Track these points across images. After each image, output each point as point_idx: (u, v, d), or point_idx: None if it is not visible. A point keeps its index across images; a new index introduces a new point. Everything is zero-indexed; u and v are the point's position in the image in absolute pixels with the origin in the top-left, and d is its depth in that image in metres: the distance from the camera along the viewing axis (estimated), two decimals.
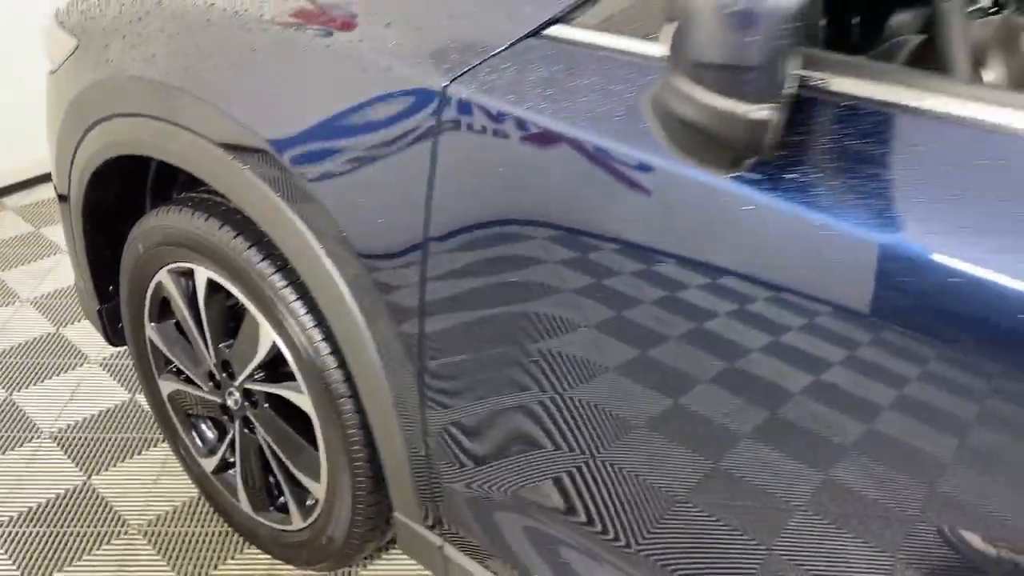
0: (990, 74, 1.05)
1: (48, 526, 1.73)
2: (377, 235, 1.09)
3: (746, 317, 0.80)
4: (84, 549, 1.69)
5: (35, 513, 1.76)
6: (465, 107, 0.95)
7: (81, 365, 2.19)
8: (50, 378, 2.14)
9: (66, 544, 1.69)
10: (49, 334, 2.31)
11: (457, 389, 1.11)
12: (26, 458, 1.90)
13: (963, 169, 0.71)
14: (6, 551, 1.67)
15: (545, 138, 0.89)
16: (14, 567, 1.64)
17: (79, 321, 2.33)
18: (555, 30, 0.93)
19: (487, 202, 0.97)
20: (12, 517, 1.75)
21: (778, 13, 0.56)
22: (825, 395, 0.78)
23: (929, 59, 1.04)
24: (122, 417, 2.02)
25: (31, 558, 1.66)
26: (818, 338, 0.76)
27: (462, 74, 0.96)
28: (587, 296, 0.91)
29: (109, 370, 2.17)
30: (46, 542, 1.70)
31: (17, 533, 1.72)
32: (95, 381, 2.13)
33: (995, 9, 1.30)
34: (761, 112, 0.61)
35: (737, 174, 0.75)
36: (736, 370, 0.82)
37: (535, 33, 0.94)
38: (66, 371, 2.17)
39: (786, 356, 0.78)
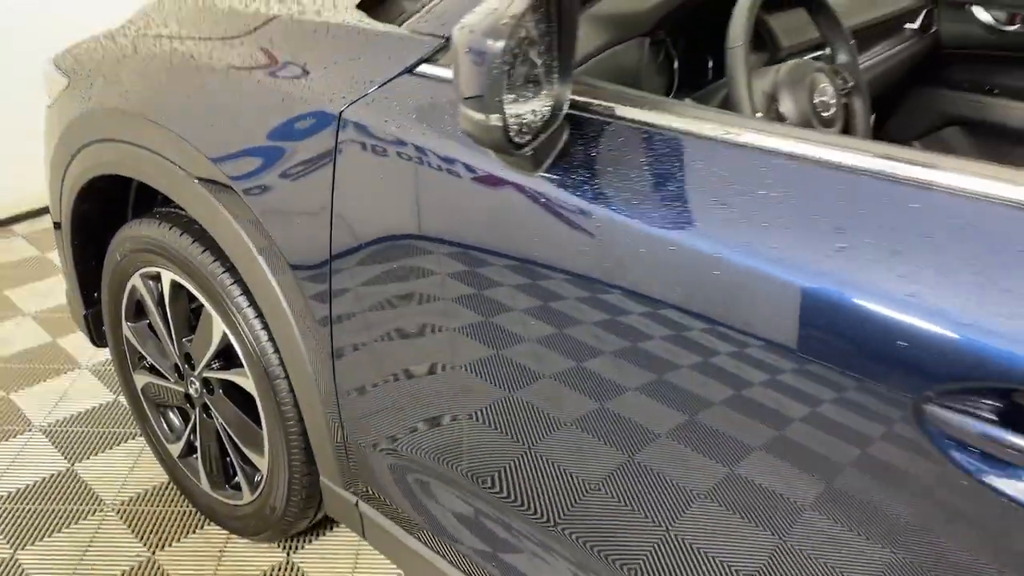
0: (784, 108, 1.28)
1: (34, 503, 1.96)
2: (297, 244, 1.34)
3: (564, 302, 1.03)
4: (64, 523, 1.91)
5: (23, 492, 1.99)
6: (357, 128, 1.20)
7: (73, 370, 2.43)
8: (44, 381, 2.38)
9: (48, 519, 1.92)
10: (46, 343, 2.56)
11: (359, 371, 1.34)
12: (17, 447, 2.13)
13: (703, 175, 0.94)
14: None
15: (413, 153, 1.14)
16: (2, 538, 1.86)
17: (73, 332, 2.57)
18: (424, 68, 1.18)
19: (374, 210, 1.21)
20: (3, 496, 1.99)
21: (495, 51, 0.80)
22: (609, 374, 1.00)
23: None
24: (105, 414, 2.26)
25: (18, 529, 1.88)
26: (611, 322, 0.98)
27: (355, 102, 1.21)
28: (454, 292, 1.15)
29: (97, 375, 2.41)
30: (32, 517, 1.92)
31: (7, 509, 1.94)
32: (84, 384, 2.37)
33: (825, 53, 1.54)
34: (493, 119, 0.85)
35: (537, 175, 0.99)
36: (561, 350, 1.05)
37: (409, 70, 1.19)
38: (59, 375, 2.41)
39: (597, 340, 1.01)
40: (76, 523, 1.91)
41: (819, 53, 1.58)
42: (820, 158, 0.88)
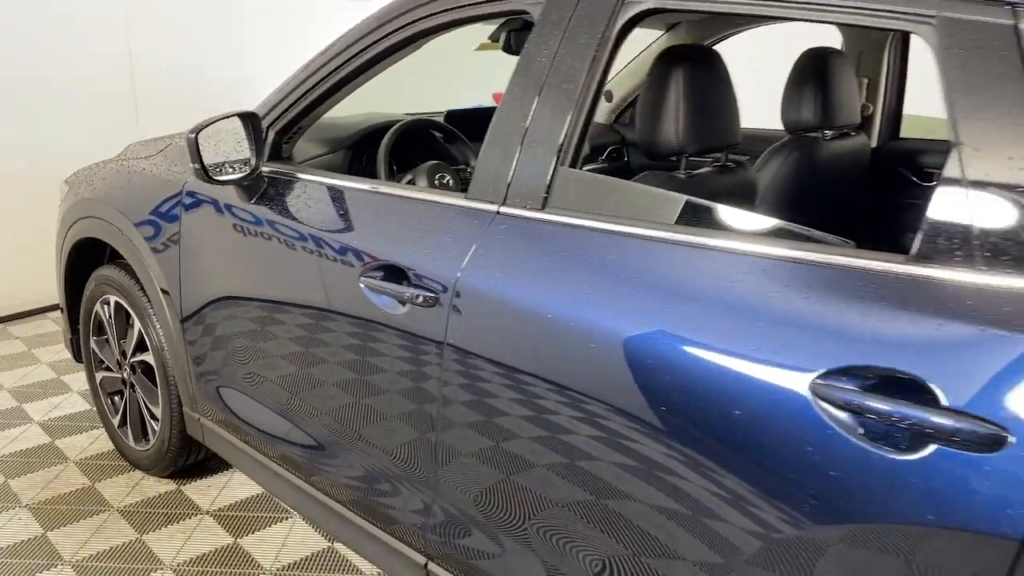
0: (417, 181, 2.37)
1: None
2: (166, 274, 2.43)
3: (268, 272, 2.09)
4: None
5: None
6: (190, 194, 2.31)
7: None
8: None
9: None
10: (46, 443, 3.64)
11: (198, 345, 2.39)
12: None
13: (353, 208, 2.01)
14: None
15: (211, 203, 2.24)
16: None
17: (71, 436, 3.60)
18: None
19: (198, 244, 2.30)
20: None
21: (191, 143, 1.92)
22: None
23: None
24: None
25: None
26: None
27: (219, 184, 2.31)
28: (233, 285, 2.21)
29: (82, 469, 3.47)
30: None
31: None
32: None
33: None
34: (196, 166, 1.96)
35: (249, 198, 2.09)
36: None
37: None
38: (48, 468, 3.42)
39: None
40: None
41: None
42: (393, 193, 1.95)
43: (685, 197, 1.48)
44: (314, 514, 2.16)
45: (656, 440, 1.31)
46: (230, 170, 2.06)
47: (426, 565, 1.83)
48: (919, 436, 1.06)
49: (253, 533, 2.59)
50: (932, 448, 1.05)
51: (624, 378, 1.33)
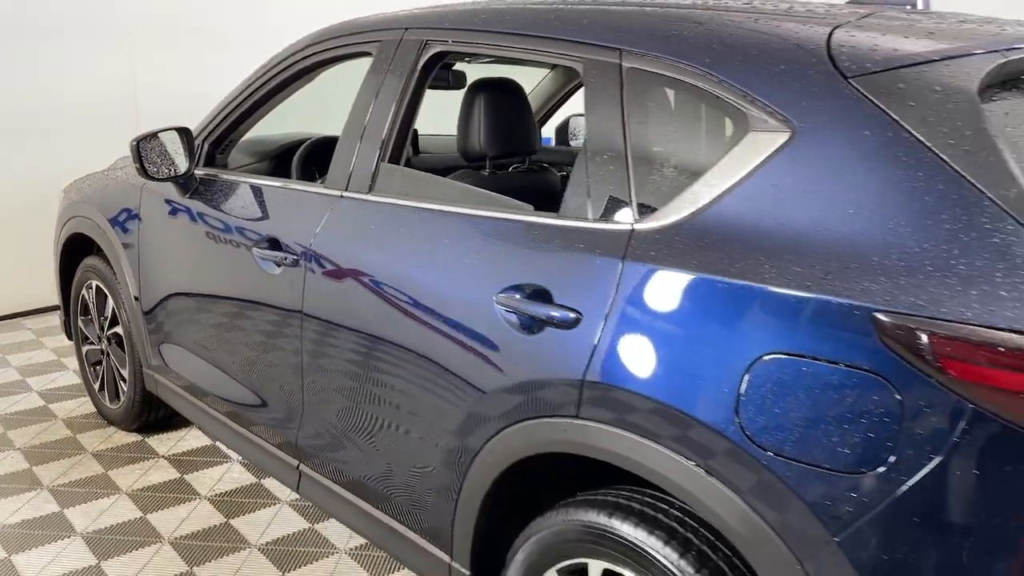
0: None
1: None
2: (131, 261, 3.06)
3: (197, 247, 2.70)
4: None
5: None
6: (147, 194, 2.95)
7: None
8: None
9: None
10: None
11: (154, 316, 3.01)
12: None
13: (264, 199, 2.63)
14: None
15: (164, 199, 2.87)
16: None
17: (62, 402, 4.27)
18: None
19: (152, 234, 2.94)
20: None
21: (132, 148, 2.55)
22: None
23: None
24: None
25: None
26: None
27: (157, 180, 2.94)
28: (176, 265, 2.84)
29: (68, 425, 4.11)
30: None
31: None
32: (57, 429, 4.05)
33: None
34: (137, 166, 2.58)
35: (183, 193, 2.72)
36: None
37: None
38: (40, 424, 4.11)
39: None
40: None
41: None
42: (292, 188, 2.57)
43: (458, 184, 2.09)
44: (224, 437, 2.75)
45: (429, 344, 1.89)
46: (167, 171, 2.69)
47: (298, 466, 2.41)
48: (541, 321, 1.63)
49: (199, 471, 3.19)
50: (546, 329, 1.62)
51: (407, 303, 1.92)
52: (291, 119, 3.20)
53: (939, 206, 1.24)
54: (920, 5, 1.91)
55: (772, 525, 1.30)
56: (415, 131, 3.36)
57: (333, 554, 2.66)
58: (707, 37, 1.59)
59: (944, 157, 1.26)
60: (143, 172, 2.66)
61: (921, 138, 1.29)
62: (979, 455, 1.15)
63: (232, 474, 3.16)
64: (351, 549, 2.68)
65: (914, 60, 1.37)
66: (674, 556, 1.45)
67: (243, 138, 3.01)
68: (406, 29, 2.19)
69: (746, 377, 1.32)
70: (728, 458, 1.34)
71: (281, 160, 3.04)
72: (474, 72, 2.91)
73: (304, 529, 2.80)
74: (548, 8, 1.91)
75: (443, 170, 2.41)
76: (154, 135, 2.65)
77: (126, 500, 2.98)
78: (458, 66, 3.23)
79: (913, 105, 1.32)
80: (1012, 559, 1.15)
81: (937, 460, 1.17)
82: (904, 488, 1.19)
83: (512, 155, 2.38)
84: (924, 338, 1.17)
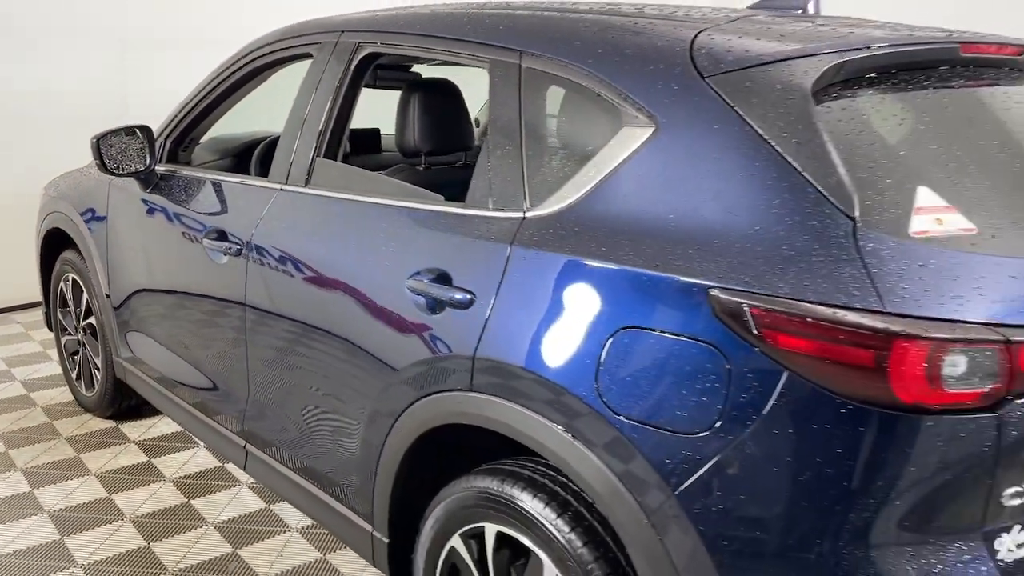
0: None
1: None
2: (100, 252, 3.21)
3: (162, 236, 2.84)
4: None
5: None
6: (114, 189, 3.10)
7: (286, 531, 4.28)
8: (13, 412, 4.24)
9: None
10: (261, 509, 4.46)
11: (122, 308, 3.16)
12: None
13: (220, 194, 2.77)
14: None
15: (128, 193, 3.02)
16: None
17: (43, 391, 4.43)
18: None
19: (118, 226, 3.08)
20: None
21: (93, 145, 2.69)
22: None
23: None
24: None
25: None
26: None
27: (118, 176, 3.09)
28: (140, 253, 2.99)
29: (46, 412, 4.26)
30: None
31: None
32: (35, 415, 4.21)
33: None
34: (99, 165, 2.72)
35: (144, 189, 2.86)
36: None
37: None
38: (20, 410, 4.27)
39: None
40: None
41: None
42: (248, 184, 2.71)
43: (383, 177, 2.22)
44: (184, 421, 2.89)
45: (352, 327, 2.02)
46: (128, 168, 2.84)
47: (245, 446, 2.54)
48: (443, 302, 1.76)
49: (166, 455, 3.33)
50: (447, 309, 1.75)
51: (334, 290, 2.06)
52: (262, 119, 3.35)
53: (771, 193, 1.37)
54: (811, 10, 2.03)
55: (624, 483, 1.43)
56: (377, 130, 3.50)
57: (285, 531, 2.80)
58: (593, 39, 1.72)
59: (778, 148, 1.39)
60: (103, 168, 2.81)
61: (760, 131, 1.41)
62: (793, 415, 1.27)
63: (198, 458, 3.30)
64: (303, 528, 2.81)
65: (761, 60, 1.50)
66: (552, 516, 1.58)
67: (212, 136, 3.16)
68: (342, 32, 2.32)
69: (605, 349, 1.45)
70: (589, 423, 1.47)
71: (242, 157, 3.18)
72: (429, 74, 3.05)
73: (260, 509, 2.93)
74: (462, 13, 2.05)
75: (385, 166, 2.55)
76: (115, 132, 2.80)
77: (94, 481, 3.12)
78: (415, 68, 3.36)
79: (756, 101, 1.44)
80: (822, 503, 1.28)
81: (759, 420, 1.29)
82: (732, 445, 1.31)
83: (446, 151, 2.51)
84: (747, 311, 1.30)
